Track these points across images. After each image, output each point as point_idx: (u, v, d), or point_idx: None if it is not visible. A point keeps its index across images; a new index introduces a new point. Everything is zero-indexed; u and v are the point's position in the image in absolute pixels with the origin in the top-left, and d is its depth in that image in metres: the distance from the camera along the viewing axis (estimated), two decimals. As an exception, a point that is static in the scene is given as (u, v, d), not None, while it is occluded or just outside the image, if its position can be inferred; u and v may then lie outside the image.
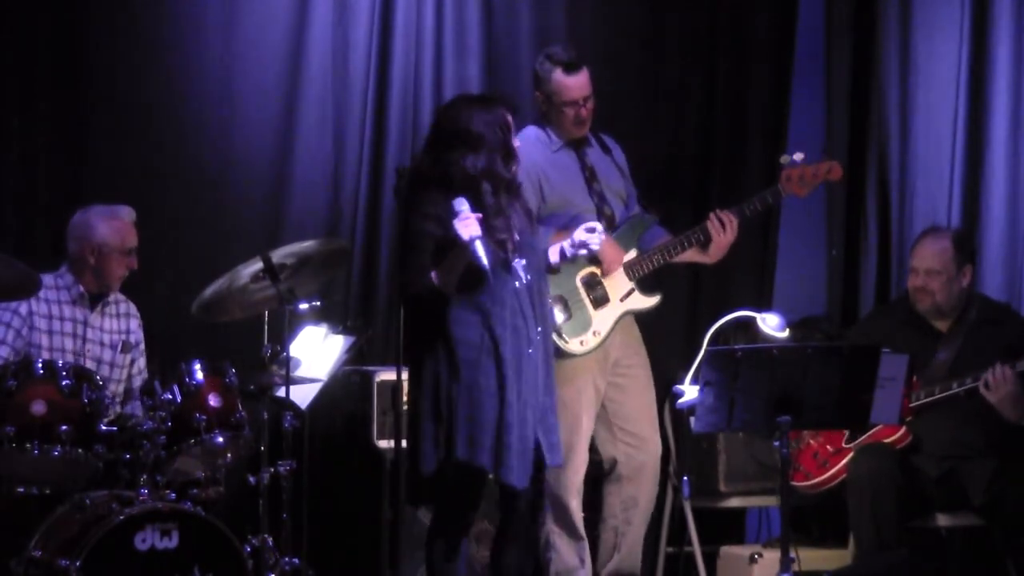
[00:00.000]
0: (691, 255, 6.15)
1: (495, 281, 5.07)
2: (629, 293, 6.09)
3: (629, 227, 6.14)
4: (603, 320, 6.02)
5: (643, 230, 6.17)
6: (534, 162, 5.96)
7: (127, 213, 6.03)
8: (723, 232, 6.07)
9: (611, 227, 6.10)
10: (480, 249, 4.98)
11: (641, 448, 6.14)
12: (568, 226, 5.76)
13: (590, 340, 5.99)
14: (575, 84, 6.05)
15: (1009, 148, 6.71)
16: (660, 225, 6.22)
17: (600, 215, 6.07)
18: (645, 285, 6.12)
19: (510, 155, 5.19)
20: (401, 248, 5.22)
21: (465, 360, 5.08)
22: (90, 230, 5.97)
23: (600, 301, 6.04)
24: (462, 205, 5.03)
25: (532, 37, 7.11)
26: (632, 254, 6.09)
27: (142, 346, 6.18)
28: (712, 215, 6.09)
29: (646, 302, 6.12)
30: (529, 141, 5.97)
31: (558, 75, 6.05)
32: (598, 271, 6.04)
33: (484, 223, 5.05)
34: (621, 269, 6.06)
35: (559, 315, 5.89)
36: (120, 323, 6.10)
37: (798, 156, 6.16)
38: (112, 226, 5.98)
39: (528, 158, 5.76)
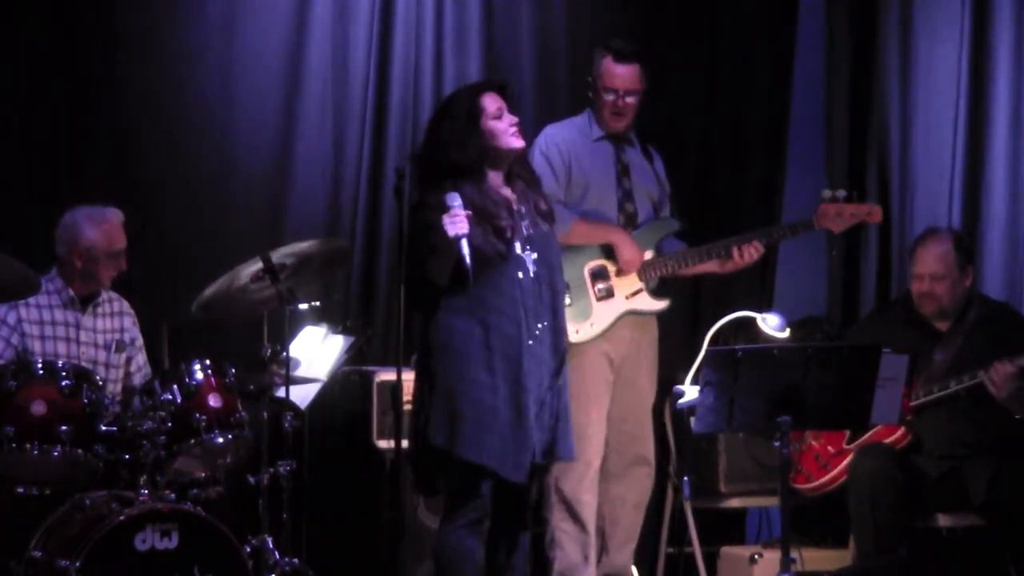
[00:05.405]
0: (705, 266, 6.15)
1: (494, 270, 5.04)
2: (636, 292, 6.07)
3: (650, 228, 6.13)
4: (603, 314, 6.01)
5: (664, 234, 6.17)
6: (570, 141, 6.08)
7: (115, 215, 5.99)
8: (748, 258, 6.07)
9: (632, 225, 6.11)
10: (465, 248, 4.95)
11: (632, 447, 6.14)
12: (586, 216, 5.96)
13: (585, 330, 5.97)
14: (619, 73, 6.10)
15: (1009, 148, 6.71)
16: (679, 238, 6.22)
17: (620, 211, 6.09)
18: (655, 288, 6.12)
19: (467, 136, 5.11)
20: (407, 236, 5.16)
21: (451, 347, 5.05)
22: (77, 234, 5.94)
23: (605, 294, 6.03)
24: (454, 200, 4.99)
25: (532, 37, 7.13)
26: (648, 255, 6.09)
27: (139, 342, 6.16)
28: (743, 244, 6.04)
29: (652, 305, 6.10)
30: (572, 123, 6.17)
31: (606, 61, 6.12)
32: (609, 265, 6.03)
33: (479, 212, 5.02)
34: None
35: None
36: (113, 322, 6.09)
37: (840, 192, 6.16)
38: (100, 229, 5.95)
39: (563, 138, 6.03)
